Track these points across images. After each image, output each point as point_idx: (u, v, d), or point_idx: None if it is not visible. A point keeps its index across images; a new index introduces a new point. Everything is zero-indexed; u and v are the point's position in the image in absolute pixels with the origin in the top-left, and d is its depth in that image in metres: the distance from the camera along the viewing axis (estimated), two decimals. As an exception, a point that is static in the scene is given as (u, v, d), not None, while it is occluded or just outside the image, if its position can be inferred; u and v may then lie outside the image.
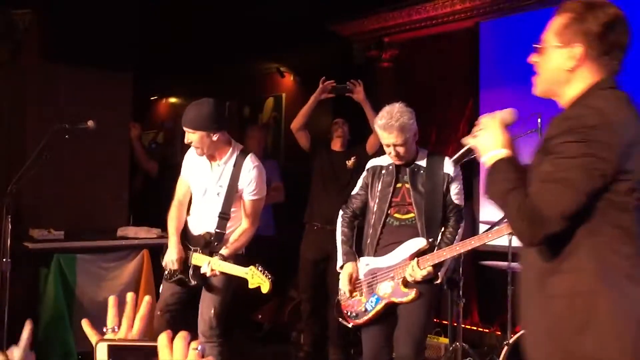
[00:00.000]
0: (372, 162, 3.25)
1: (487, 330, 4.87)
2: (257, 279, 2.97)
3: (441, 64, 5.46)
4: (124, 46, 4.95)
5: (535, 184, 1.61)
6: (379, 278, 3.02)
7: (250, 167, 3.26)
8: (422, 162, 3.10)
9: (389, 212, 3.06)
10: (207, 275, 3.13)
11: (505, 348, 3.35)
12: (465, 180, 4.68)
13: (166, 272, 3.34)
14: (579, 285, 1.59)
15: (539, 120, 3.26)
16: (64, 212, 4.53)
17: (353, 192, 3.30)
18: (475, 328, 4.94)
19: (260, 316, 5.32)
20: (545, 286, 1.66)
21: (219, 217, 3.25)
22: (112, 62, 4.78)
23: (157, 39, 5.71)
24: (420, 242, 2.96)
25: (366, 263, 3.10)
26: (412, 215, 3.03)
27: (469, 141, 1.86)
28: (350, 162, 4.65)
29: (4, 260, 3.44)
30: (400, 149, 2.98)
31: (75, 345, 4.04)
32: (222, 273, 3.11)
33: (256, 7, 5.66)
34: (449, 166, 3.08)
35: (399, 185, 3.08)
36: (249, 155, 3.31)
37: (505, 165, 1.70)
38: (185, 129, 3.20)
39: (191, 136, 3.17)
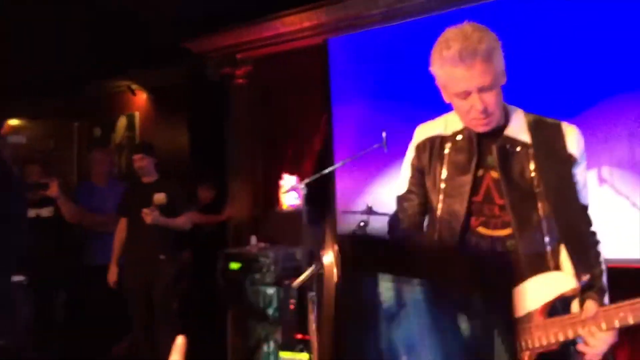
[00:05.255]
0: (423, 132, 1.85)
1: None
2: None
3: (294, 80, 5.55)
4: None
5: None
6: None
7: None
8: (521, 133, 1.72)
9: (469, 222, 1.72)
10: None
11: None
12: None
13: None
14: None
15: (384, 134, 3.38)
16: None
17: (399, 192, 1.89)
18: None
19: (114, 351, 5.08)
20: None
21: None
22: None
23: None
24: (563, 283, 1.61)
25: None
26: (507, 231, 1.69)
27: None
28: (158, 198, 4.32)
29: None
30: (490, 98, 1.62)
31: None
32: None
33: (104, 23, 5.41)
34: (572, 140, 1.70)
35: (480, 172, 1.73)
36: None
37: None
38: None
39: None
